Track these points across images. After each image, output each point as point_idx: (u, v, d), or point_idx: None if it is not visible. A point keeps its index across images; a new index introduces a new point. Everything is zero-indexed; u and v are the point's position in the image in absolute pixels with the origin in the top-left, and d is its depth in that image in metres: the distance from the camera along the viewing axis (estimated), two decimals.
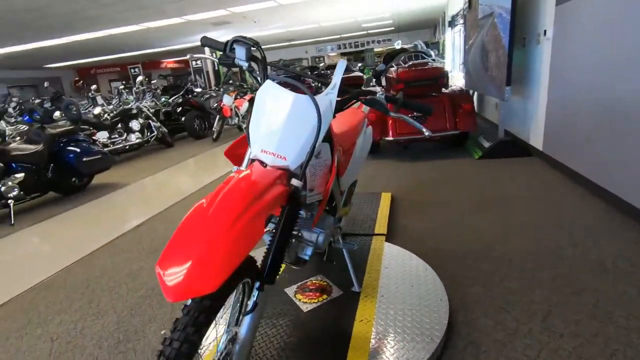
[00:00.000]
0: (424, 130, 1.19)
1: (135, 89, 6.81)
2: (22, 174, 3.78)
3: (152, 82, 8.85)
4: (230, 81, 9.44)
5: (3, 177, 3.66)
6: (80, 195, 4.39)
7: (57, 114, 6.42)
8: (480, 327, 1.50)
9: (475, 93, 6.51)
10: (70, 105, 5.43)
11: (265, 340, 1.45)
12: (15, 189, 3.70)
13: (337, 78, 1.03)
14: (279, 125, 0.99)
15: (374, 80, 5.61)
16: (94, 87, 7.24)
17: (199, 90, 8.61)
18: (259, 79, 1.07)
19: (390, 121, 4.15)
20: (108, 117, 6.14)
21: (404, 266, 1.88)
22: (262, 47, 1.06)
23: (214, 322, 0.77)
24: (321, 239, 1.36)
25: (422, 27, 16.71)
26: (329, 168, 1.09)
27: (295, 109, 0.98)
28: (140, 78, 6.87)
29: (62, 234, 3.22)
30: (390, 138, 4.17)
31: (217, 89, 9.53)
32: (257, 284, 0.96)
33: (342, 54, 20.00)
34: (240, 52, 1.04)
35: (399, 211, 2.78)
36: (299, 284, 1.82)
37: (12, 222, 3.61)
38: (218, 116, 7.06)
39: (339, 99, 1.08)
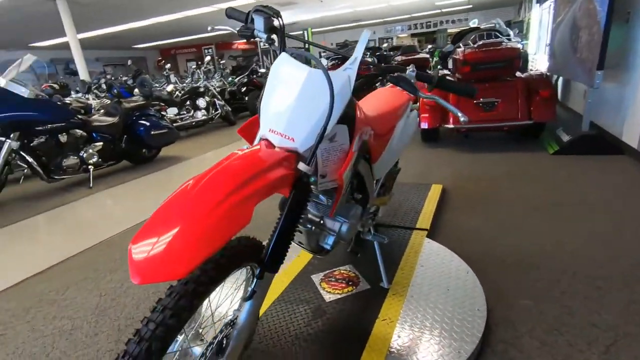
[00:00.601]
0: (460, 115, 1.02)
1: (203, 68, 7.17)
2: (101, 143, 4.21)
3: (221, 62, 9.25)
4: None
5: (85, 145, 4.11)
6: (149, 165, 4.79)
7: (137, 90, 7.04)
8: (521, 346, 1.30)
9: (560, 78, 5.71)
10: (143, 82, 5.89)
11: (281, 325, 1.42)
12: (95, 156, 4.14)
13: (358, 51, 0.91)
14: (290, 102, 0.90)
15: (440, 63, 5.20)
16: (168, 65, 7.79)
17: (263, 70, 8.79)
18: (277, 52, 0.99)
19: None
20: (179, 95, 6.57)
21: (443, 266, 1.71)
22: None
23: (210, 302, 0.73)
24: (344, 228, 1.26)
25: (504, 4, 15.05)
26: (346, 153, 0.99)
27: (308, 85, 0.88)
28: (207, 58, 7.21)
29: (131, 199, 3.54)
30: (451, 125, 3.84)
31: None
32: (257, 271, 0.91)
33: (413, 35, 18.96)
34: (258, 23, 0.97)
35: (450, 206, 2.56)
36: (326, 272, 1.76)
37: (91, 185, 4.07)
38: None
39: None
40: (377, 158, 1.41)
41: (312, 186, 0.96)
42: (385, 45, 15.00)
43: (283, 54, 0.94)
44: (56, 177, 3.84)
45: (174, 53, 18.87)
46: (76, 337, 1.60)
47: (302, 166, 0.87)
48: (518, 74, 3.89)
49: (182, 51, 18.87)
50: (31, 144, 3.65)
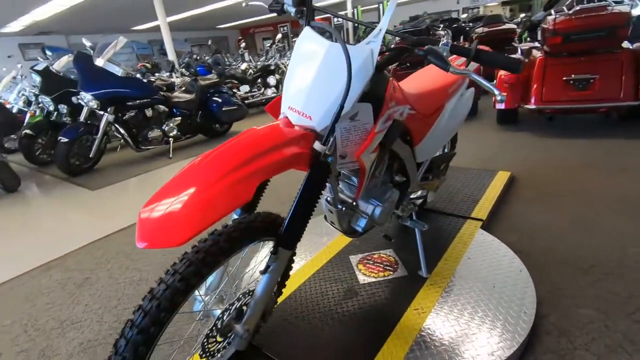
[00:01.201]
0: (496, 92, 0.88)
1: (275, 46, 7.33)
2: (179, 118, 4.63)
3: (294, 40, 9.34)
4: None
5: (167, 120, 4.56)
6: (221, 139, 5.15)
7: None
8: None
9: None
10: (217, 61, 6.25)
11: (312, 301, 1.45)
12: (175, 130, 4.57)
13: (383, 22, 0.83)
14: (308, 79, 0.87)
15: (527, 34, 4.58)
16: (242, 44, 8.13)
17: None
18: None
19: (536, 85, 3.35)
20: (252, 72, 6.86)
21: (493, 261, 1.57)
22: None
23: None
24: (377, 211, 1.23)
25: None
26: (369, 133, 0.93)
27: (328, 61, 0.84)
28: (279, 36, 7.34)
29: None
30: (532, 106, 3.39)
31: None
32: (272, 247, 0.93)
33: (504, 4, 16.90)
34: None
35: (517, 196, 2.30)
36: (366, 254, 1.73)
37: (171, 155, 4.53)
38: None
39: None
40: (420, 140, 1.32)
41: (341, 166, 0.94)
42: (464, 15, 13.59)
43: (307, 28, 0.91)
44: (143, 147, 4.35)
45: (252, 32, 19.62)
46: (141, 288, 1.84)
47: (317, 145, 0.85)
48: (626, 44, 3.25)
49: (259, 30, 19.51)
50: (123, 118, 4.16)
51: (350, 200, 1.27)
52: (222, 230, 0.84)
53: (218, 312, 0.96)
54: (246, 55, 7.73)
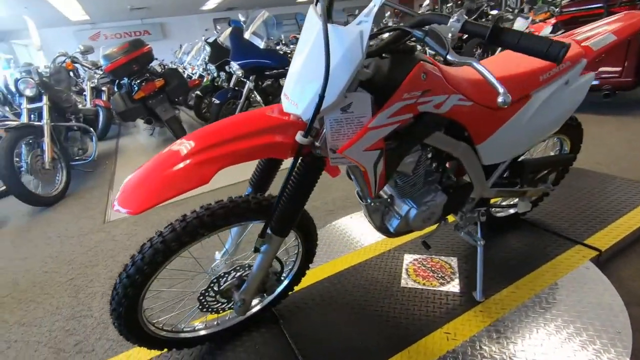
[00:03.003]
0: (500, 89, 0.58)
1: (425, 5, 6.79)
2: None
3: (448, 5, 8.45)
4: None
5: None
6: None
7: None
8: None
9: None
10: None
11: (344, 291, 1.42)
12: None
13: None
14: (299, 63, 0.80)
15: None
16: (388, 14, 7.81)
17: (494, 12, 7.46)
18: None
19: None
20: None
21: (586, 309, 1.19)
22: None
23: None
24: (412, 214, 1.09)
25: None
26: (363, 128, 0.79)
27: (318, 44, 0.74)
28: (427, 2, 6.71)
29: None
30: None
31: (520, 8, 7.90)
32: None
33: None
34: None
35: None
36: (424, 256, 1.56)
37: None
38: None
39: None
40: (485, 138, 1.06)
41: None
42: None
43: (312, 5, 0.82)
44: None
45: None
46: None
47: (298, 136, 0.79)
48: None
49: None
50: (262, 85, 4.69)
51: (385, 196, 1.15)
52: (209, 205, 0.91)
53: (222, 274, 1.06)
54: (390, 24, 7.43)
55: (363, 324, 1.25)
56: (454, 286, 1.37)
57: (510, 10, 7.39)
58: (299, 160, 0.86)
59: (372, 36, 0.76)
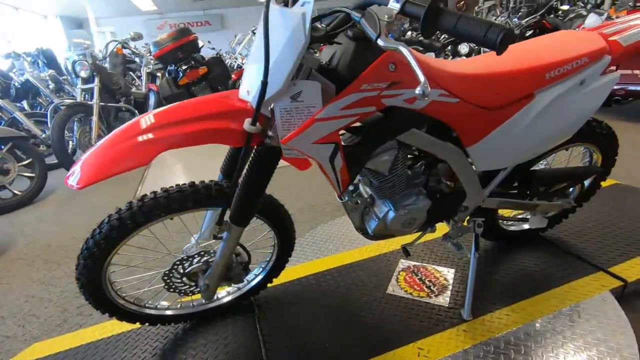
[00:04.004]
0: (422, 79, 0.47)
1: (477, 8, 6.35)
2: None
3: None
4: None
5: None
6: None
7: (409, 34, 7.23)
8: None
9: None
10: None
11: (327, 290, 1.37)
12: None
13: None
14: (254, 47, 0.76)
15: None
16: (461, 3, 7.35)
17: (565, 8, 6.75)
18: None
19: None
20: (445, 38, 6.26)
21: (589, 345, 1.03)
22: None
23: None
24: (390, 217, 1.02)
25: None
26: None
27: (270, 25, 0.70)
28: None
29: None
30: None
31: (597, 3, 7.07)
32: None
33: None
34: None
35: None
36: (420, 263, 1.46)
37: None
38: None
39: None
40: (476, 140, 0.95)
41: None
42: None
43: None
44: None
45: None
46: None
47: (246, 124, 0.76)
48: None
49: None
50: None
51: (365, 195, 1.08)
52: (168, 188, 0.91)
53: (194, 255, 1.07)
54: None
55: (336, 327, 1.20)
56: (442, 300, 1.26)
57: (583, 4, 6.64)
58: (254, 150, 0.83)
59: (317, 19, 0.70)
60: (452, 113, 0.88)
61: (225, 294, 1.28)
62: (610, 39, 0.98)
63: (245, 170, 0.86)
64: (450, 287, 1.31)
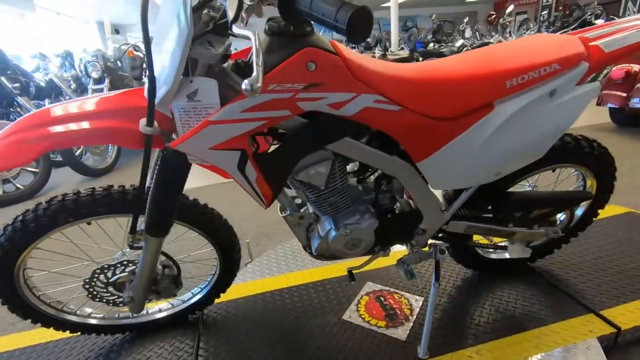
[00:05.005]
0: (254, 71, 0.36)
1: (502, 20, 6.10)
2: None
3: (543, 13, 7.52)
4: None
5: None
6: None
7: (431, 45, 7.06)
8: None
9: None
10: (411, 37, 5.82)
11: (279, 311, 1.26)
12: None
13: None
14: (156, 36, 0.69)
15: None
16: (465, 19, 7.13)
17: (599, 22, 6.39)
18: None
19: None
20: (468, 49, 6.06)
21: None
22: None
23: None
24: (331, 236, 0.92)
25: None
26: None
27: (164, 14, 0.62)
28: (510, 8, 6.00)
29: None
30: None
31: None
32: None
33: None
34: None
35: None
36: (388, 288, 1.32)
37: None
38: None
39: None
40: (426, 154, 0.83)
41: None
42: None
43: None
44: None
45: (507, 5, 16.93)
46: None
47: (141, 125, 0.68)
48: None
49: (518, 2, 16.58)
50: None
51: (311, 210, 0.98)
52: (77, 191, 0.85)
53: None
54: (468, 31, 6.81)
55: (279, 350, 1.09)
56: (401, 332, 1.12)
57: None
58: (160, 154, 0.75)
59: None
60: (392, 123, 0.77)
61: (157, 310, 1.19)
62: (590, 43, 0.84)
63: (155, 178, 0.78)
64: (413, 319, 1.17)
